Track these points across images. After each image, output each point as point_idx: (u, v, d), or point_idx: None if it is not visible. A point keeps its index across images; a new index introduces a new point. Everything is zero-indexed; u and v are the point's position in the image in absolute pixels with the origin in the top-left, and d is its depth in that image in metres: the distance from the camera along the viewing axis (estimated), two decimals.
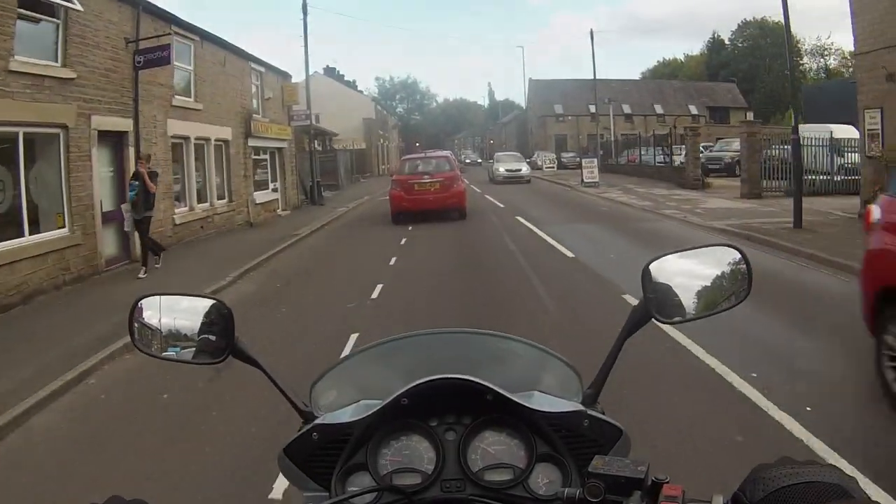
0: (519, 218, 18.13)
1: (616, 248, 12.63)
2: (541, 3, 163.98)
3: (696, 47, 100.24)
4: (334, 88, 53.38)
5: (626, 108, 64.25)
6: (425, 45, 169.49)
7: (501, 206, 22.90)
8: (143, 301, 1.37)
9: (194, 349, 1.36)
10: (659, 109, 65.75)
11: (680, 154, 31.23)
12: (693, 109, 68.13)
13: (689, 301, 1.30)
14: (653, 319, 1.30)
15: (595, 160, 29.26)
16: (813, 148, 21.27)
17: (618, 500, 0.92)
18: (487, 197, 26.74)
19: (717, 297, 1.31)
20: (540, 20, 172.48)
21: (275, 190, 22.74)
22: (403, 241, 14.96)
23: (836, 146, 21.49)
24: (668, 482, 0.91)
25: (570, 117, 61.97)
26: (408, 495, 1.13)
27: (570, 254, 11.99)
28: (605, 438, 1.20)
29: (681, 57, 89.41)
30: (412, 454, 1.20)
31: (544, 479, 1.17)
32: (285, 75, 24.38)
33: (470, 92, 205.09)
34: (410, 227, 17.02)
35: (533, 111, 64.50)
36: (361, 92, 60.06)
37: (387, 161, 62.38)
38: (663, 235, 13.67)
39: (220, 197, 18.09)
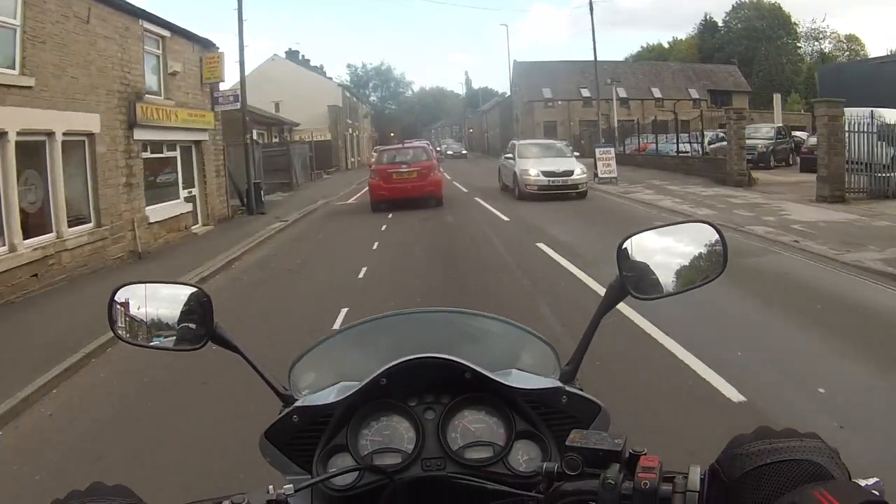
0: (566, 266, 10.20)
1: (800, 357, 5.73)
2: None
3: (678, 34, 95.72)
4: (297, 74, 47.06)
5: (622, 92, 58.38)
6: (400, 30, 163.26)
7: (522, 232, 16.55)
8: (122, 289, 1.37)
9: (175, 337, 1.36)
10: (657, 93, 60.07)
11: (695, 142, 26.35)
12: (693, 93, 62.72)
13: (665, 278, 1.30)
14: (630, 296, 1.29)
15: (612, 149, 23.30)
16: (860, 135, 16.25)
17: (595, 473, 0.91)
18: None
19: (693, 274, 1.32)
20: (518, 10, 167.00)
21: (188, 199, 16.44)
22: (360, 274, 8.86)
23: (889, 134, 16.18)
24: (645, 454, 0.92)
25: (559, 102, 56.00)
26: (388, 475, 1.13)
27: (735, 397, 4.88)
28: (583, 414, 1.22)
29: (665, 43, 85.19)
30: (392, 434, 1.21)
31: (524, 455, 1.19)
32: (206, 44, 17.97)
33: (446, 81, 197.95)
34: (371, 266, 10.92)
35: (518, 96, 58.34)
36: (331, 78, 53.54)
37: (357, 153, 56.01)
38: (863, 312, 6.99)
39: (80, 220, 11.84)
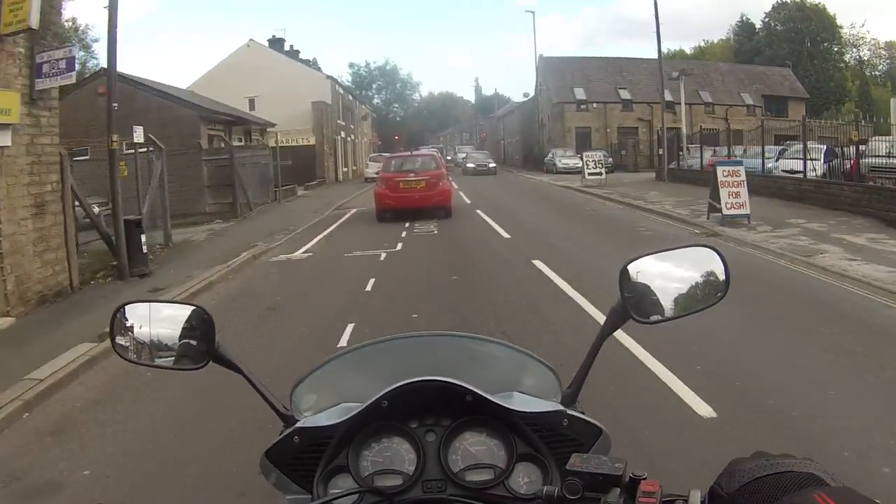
0: None
1: None
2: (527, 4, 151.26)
3: (686, 45, 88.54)
4: (278, 65, 38.30)
5: (667, 95, 49.41)
6: (408, 36, 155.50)
7: None
8: (125, 308, 1.38)
9: (175, 355, 1.36)
10: (706, 97, 50.98)
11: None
12: (747, 98, 53.79)
13: (667, 301, 1.30)
14: (631, 320, 1.30)
15: (741, 168, 14.20)
16: None
17: (596, 497, 0.91)
18: None
19: (695, 297, 1.32)
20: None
21: None
22: None
23: None
24: (645, 478, 0.92)
25: (595, 105, 46.93)
26: (388, 497, 1.14)
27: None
28: (584, 437, 1.22)
29: (687, 49, 77.58)
30: (393, 456, 1.22)
31: (525, 478, 1.19)
32: None
33: (455, 87, 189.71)
34: None
35: (545, 98, 49.25)
36: (319, 69, 44.33)
37: (353, 161, 47.06)
38: None
39: None
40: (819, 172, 17.99)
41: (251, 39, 38.94)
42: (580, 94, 46.99)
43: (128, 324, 1.37)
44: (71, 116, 15.56)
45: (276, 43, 43.39)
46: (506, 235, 14.32)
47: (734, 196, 13.64)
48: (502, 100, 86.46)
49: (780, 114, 56.64)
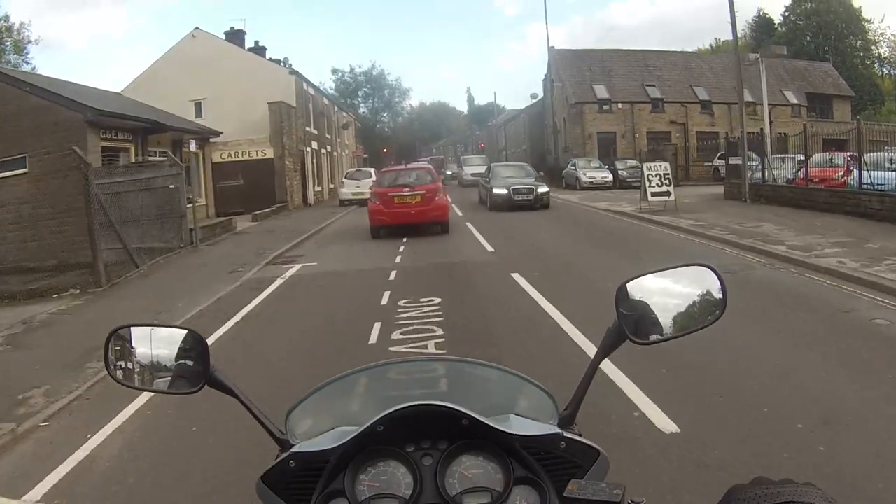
0: None
1: None
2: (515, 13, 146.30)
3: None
4: (232, 60, 30.20)
5: (702, 92, 41.80)
6: (394, 47, 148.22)
7: None
8: (119, 332, 1.37)
9: (169, 379, 1.35)
10: (746, 95, 43.21)
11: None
12: (791, 97, 46.19)
13: (665, 320, 1.30)
14: (628, 340, 1.29)
15: None
16: None
17: None
18: None
19: (692, 316, 1.32)
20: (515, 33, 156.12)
21: None
22: None
23: None
24: (642, 503, 0.92)
25: (620, 105, 39.18)
26: None
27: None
28: (582, 460, 1.22)
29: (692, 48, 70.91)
30: (390, 480, 1.20)
31: (522, 501, 1.18)
32: None
33: (446, 100, 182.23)
34: None
35: (559, 98, 41.38)
36: (279, 62, 35.96)
37: (331, 178, 39.04)
38: None
39: None
40: None
41: (197, 28, 30.83)
42: (602, 92, 39.21)
43: (121, 348, 1.36)
44: None
45: (234, 36, 35.38)
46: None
47: None
48: (497, 109, 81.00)
49: (825, 115, 49.42)
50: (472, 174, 36.80)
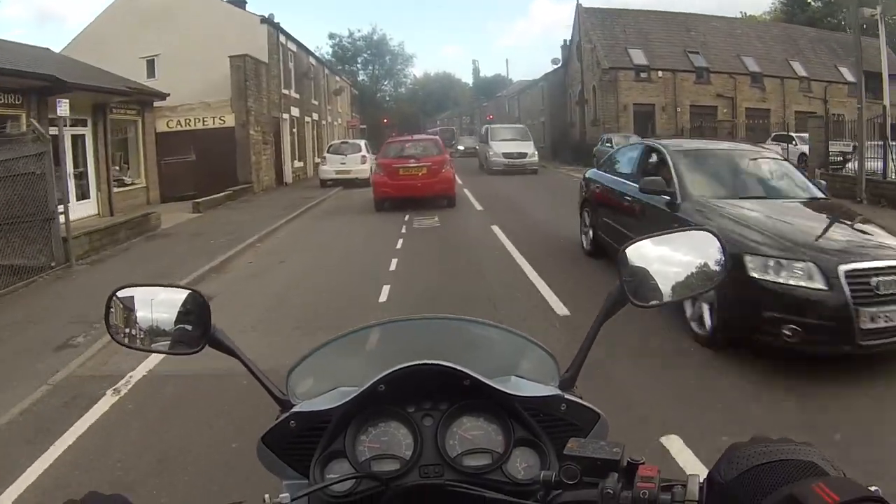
0: None
1: None
2: None
3: None
4: (190, 7, 24.20)
5: (751, 63, 35.91)
6: (400, 18, 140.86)
7: None
8: (118, 293, 1.35)
9: (171, 340, 1.35)
10: (800, 69, 37.39)
11: None
12: (846, 74, 40.06)
13: (665, 284, 1.30)
14: (630, 303, 1.29)
15: None
16: None
17: (594, 482, 0.91)
18: None
19: (692, 280, 1.32)
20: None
21: None
22: None
23: None
24: (643, 463, 0.92)
25: (660, 74, 33.31)
26: (385, 482, 1.13)
27: None
28: (582, 422, 1.22)
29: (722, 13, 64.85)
30: (390, 440, 1.20)
31: (522, 463, 1.18)
32: None
33: (451, 70, 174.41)
34: None
35: (589, 63, 35.24)
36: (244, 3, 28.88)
37: (317, 151, 33.01)
38: None
39: None
40: None
41: None
42: (639, 57, 33.28)
43: (122, 308, 1.35)
44: None
45: None
46: None
47: None
48: (505, 82, 74.36)
49: (878, 94, 43.73)
50: (506, 154, 27.07)
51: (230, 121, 21.01)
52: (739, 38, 37.50)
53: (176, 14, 23.91)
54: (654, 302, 1.29)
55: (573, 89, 37.93)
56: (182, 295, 1.34)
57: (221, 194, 18.23)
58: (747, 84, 35.44)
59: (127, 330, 1.34)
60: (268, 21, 24.49)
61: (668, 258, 1.31)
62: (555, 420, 1.20)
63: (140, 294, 1.34)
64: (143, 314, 1.33)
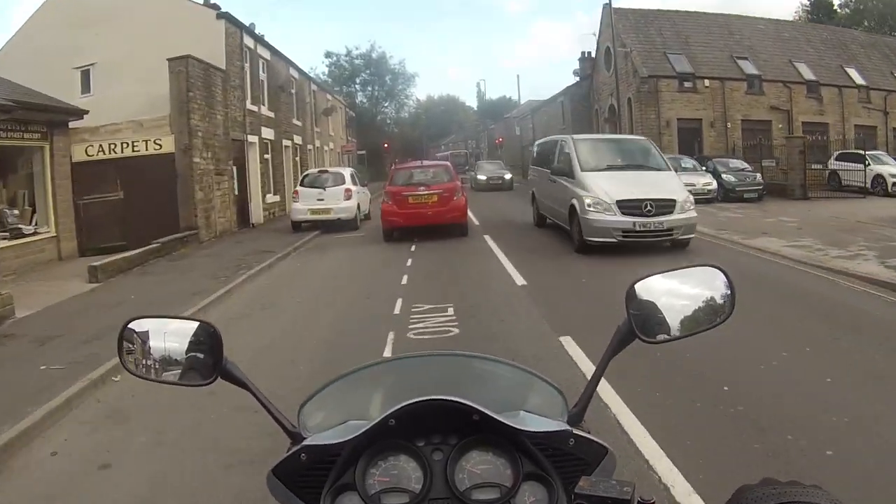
0: None
1: None
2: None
3: None
4: (148, 10, 19.21)
5: (806, 71, 30.81)
6: (402, 39, 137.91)
7: None
8: (131, 324, 1.35)
9: (181, 370, 1.33)
10: (856, 77, 32.26)
11: None
12: None
13: (673, 320, 1.30)
14: (637, 339, 1.29)
15: None
16: None
17: None
18: None
19: (699, 314, 1.31)
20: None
21: None
22: None
23: None
24: (653, 502, 0.93)
25: (707, 83, 28.21)
26: None
27: None
28: (590, 457, 1.22)
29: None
30: (400, 474, 1.20)
31: (531, 497, 1.17)
32: None
33: (455, 94, 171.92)
34: None
35: (623, 70, 29.98)
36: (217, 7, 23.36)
37: (296, 180, 27.79)
38: None
39: None
40: None
41: None
42: (681, 63, 28.20)
43: (135, 339, 1.34)
44: None
45: None
46: None
47: None
48: (510, 104, 72.51)
49: None
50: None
51: (168, 145, 15.81)
52: (789, 42, 32.49)
53: (121, 15, 18.97)
54: (661, 336, 1.29)
55: (601, 104, 32.78)
56: (193, 325, 1.34)
57: (141, 250, 12.95)
58: (803, 94, 30.33)
59: (139, 358, 1.33)
60: (226, 17, 19.33)
61: (675, 291, 1.31)
62: (563, 455, 1.20)
63: (153, 325, 1.34)
64: (156, 344, 1.32)
